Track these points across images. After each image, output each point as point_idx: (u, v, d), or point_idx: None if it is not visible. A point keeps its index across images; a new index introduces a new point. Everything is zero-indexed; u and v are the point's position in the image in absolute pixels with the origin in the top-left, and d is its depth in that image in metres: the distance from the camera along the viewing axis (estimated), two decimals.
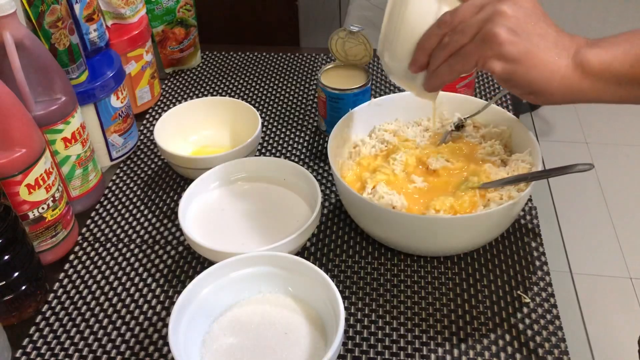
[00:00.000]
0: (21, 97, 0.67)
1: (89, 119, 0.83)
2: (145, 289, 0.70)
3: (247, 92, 1.05)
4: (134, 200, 0.83)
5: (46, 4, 0.73)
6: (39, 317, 0.68)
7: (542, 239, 0.74)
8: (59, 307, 0.69)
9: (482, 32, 0.49)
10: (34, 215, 0.68)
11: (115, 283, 0.71)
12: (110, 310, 0.68)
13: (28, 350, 0.64)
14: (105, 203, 0.83)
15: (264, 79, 1.08)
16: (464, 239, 0.67)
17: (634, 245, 1.85)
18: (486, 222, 0.66)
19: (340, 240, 0.75)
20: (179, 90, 1.07)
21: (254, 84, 1.07)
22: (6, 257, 0.62)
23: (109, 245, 0.77)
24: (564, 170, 0.64)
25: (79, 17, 0.82)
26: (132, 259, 0.74)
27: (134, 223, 0.80)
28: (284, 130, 0.95)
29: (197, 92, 1.06)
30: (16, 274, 0.64)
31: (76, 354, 0.64)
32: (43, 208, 0.69)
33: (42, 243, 0.71)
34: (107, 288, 0.71)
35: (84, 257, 0.75)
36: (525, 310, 0.66)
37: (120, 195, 0.84)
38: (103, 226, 0.79)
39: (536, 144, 0.72)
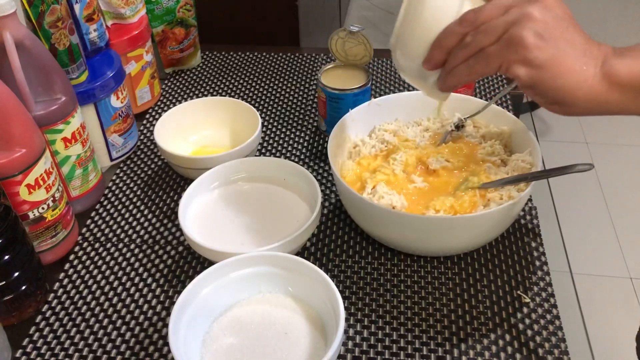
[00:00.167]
0: (21, 97, 0.67)
1: (89, 119, 0.83)
2: (145, 289, 0.70)
3: (247, 92, 1.05)
4: (134, 200, 0.83)
5: (46, 4, 0.73)
6: (39, 317, 0.68)
7: (542, 239, 0.74)
8: (59, 307, 0.69)
9: (508, 35, 0.47)
10: (34, 215, 0.68)
11: (115, 283, 0.71)
12: (110, 310, 0.68)
13: (28, 350, 0.64)
14: (105, 203, 0.83)
15: (264, 79, 1.08)
16: (464, 239, 0.67)
17: (634, 245, 1.85)
18: (486, 222, 0.66)
19: (340, 240, 0.75)
20: (179, 90, 1.07)
21: (254, 84, 1.07)
22: (6, 257, 0.62)
23: (109, 245, 0.77)
24: (564, 170, 0.64)
25: (79, 17, 0.82)
26: (132, 259, 0.74)
27: (134, 223, 0.80)
28: (284, 130, 0.95)
29: (197, 92, 1.06)
30: (16, 274, 0.64)
31: (76, 354, 0.64)
32: (43, 208, 0.69)
33: (42, 243, 0.71)
34: (107, 288, 0.71)
35: (84, 257, 0.75)
36: (525, 310, 0.66)
37: (120, 195, 0.84)
38: (103, 226, 0.79)
39: (536, 144, 0.72)
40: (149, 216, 0.81)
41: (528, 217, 0.77)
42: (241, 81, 1.08)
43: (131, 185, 0.86)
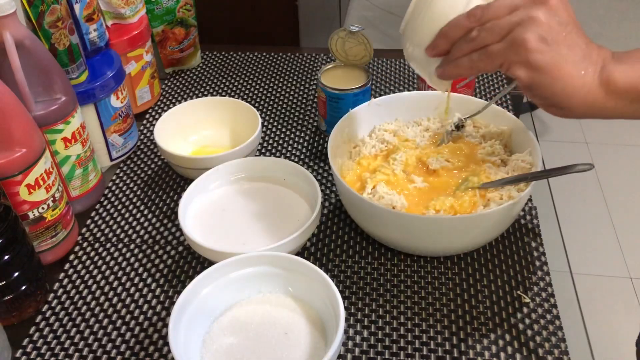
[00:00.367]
0: (21, 97, 0.67)
1: (89, 119, 0.83)
2: (145, 289, 0.70)
3: (247, 92, 1.05)
4: (134, 200, 0.83)
5: (46, 4, 0.73)
6: (39, 317, 0.68)
7: (542, 239, 0.74)
8: (59, 307, 0.69)
9: (512, 36, 0.48)
10: (34, 215, 0.68)
11: (115, 283, 0.71)
12: (110, 310, 0.68)
13: (28, 350, 0.64)
14: (105, 203, 0.83)
15: (264, 79, 1.08)
16: (464, 239, 0.67)
17: (634, 245, 1.85)
18: (486, 222, 0.66)
19: (340, 240, 0.75)
20: (179, 90, 1.07)
21: (254, 84, 1.07)
22: (6, 257, 0.62)
23: (109, 245, 0.77)
24: (564, 170, 0.64)
25: (79, 17, 0.82)
26: (132, 259, 0.74)
27: (134, 223, 0.80)
28: (284, 130, 0.95)
29: (197, 92, 1.06)
30: (16, 274, 0.64)
31: (76, 354, 0.64)
32: (43, 208, 0.69)
33: (42, 243, 0.71)
34: (107, 288, 0.71)
35: (84, 257, 0.75)
36: (525, 310, 0.66)
37: (120, 195, 0.84)
38: (103, 226, 0.79)
39: (536, 144, 0.72)
40: (149, 216, 0.81)
41: (528, 217, 0.77)
42: (241, 81, 1.08)
43: (131, 185, 0.86)
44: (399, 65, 1.10)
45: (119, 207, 0.82)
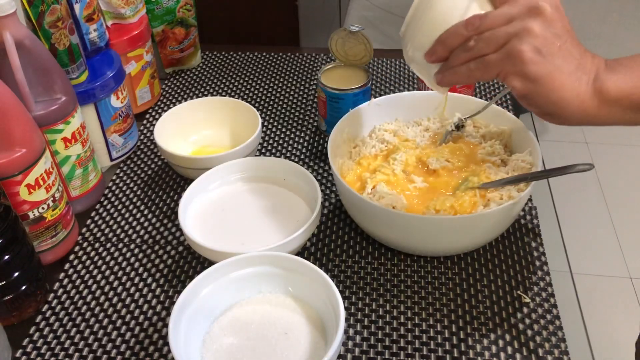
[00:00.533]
0: (21, 97, 0.67)
1: (89, 119, 0.83)
2: (145, 289, 0.70)
3: (247, 92, 1.05)
4: (134, 200, 0.83)
5: (46, 4, 0.73)
6: (39, 317, 0.68)
7: (542, 239, 0.74)
8: (59, 307, 0.69)
9: (508, 47, 0.49)
10: (34, 215, 0.68)
11: (115, 283, 0.71)
12: (110, 310, 0.68)
13: (28, 350, 0.64)
14: (105, 203, 0.83)
15: (264, 79, 1.08)
16: (464, 239, 0.67)
17: (634, 245, 1.85)
18: (486, 222, 0.66)
19: (340, 240, 0.75)
20: (179, 90, 1.07)
21: (254, 84, 1.07)
22: (6, 257, 0.62)
23: (109, 245, 0.77)
24: (564, 170, 0.64)
25: (79, 17, 0.82)
26: (132, 259, 0.74)
27: (134, 223, 0.80)
28: (284, 130, 0.95)
29: (197, 92, 1.06)
30: (16, 274, 0.64)
31: (76, 354, 0.64)
32: (43, 208, 0.69)
33: (42, 243, 0.71)
34: (107, 288, 0.71)
35: (84, 257, 0.75)
36: (525, 310, 0.66)
37: (120, 195, 0.84)
38: (103, 226, 0.79)
39: (536, 144, 0.72)
40: (149, 216, 0.81)
41: (528, 217, 0.77)
42: (241, 81, 1.08)
43: (131, 185, 0.86)
44: (399, 65, 1.10)
45: (119, 207, 0.82)
